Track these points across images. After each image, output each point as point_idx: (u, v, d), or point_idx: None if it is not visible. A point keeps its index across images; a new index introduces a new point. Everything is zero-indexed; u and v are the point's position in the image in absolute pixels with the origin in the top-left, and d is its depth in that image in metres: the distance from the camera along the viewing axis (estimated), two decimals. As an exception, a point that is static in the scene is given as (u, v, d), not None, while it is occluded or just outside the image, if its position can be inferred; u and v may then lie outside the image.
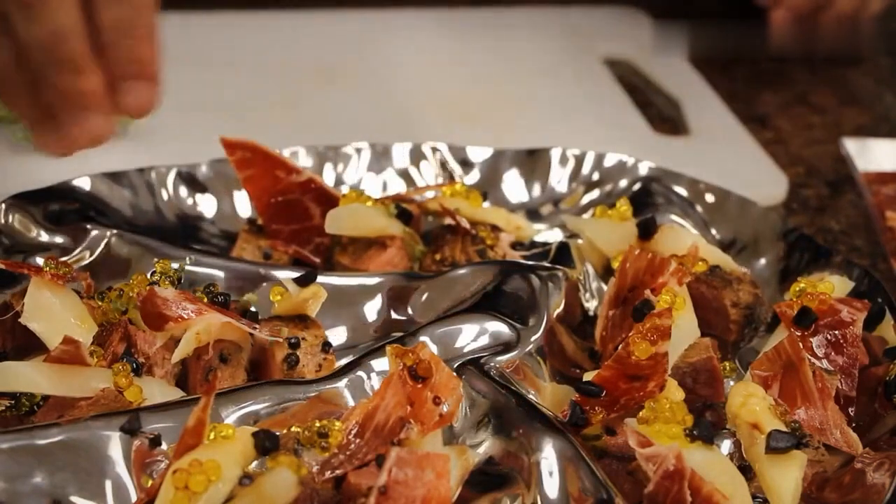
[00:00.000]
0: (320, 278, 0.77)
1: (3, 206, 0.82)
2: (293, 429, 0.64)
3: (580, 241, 0.86)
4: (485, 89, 1.21)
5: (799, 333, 0.73)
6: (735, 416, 0.69)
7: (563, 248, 0.85)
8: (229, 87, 1.18)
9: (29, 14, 0.59)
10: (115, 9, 0.61)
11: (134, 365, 0.69)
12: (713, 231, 0.90)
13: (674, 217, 0.90)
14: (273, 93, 1.17)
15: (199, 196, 0.91)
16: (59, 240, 0.83)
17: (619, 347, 0.69)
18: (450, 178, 0.96)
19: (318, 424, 0.63)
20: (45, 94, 0.63)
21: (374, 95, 1.18)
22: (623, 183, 0.94)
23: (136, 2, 0.61)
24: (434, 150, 0.97)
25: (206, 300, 0.73)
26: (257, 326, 0.73)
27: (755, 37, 1.32)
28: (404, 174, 0.96)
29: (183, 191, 0.90)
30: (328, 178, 0.94)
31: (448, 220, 0.86)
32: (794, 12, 1.27)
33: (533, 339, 0.76)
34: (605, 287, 0.83)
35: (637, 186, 0.93)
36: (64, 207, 0.84)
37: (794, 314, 0.74)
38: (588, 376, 0.71)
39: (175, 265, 0.75)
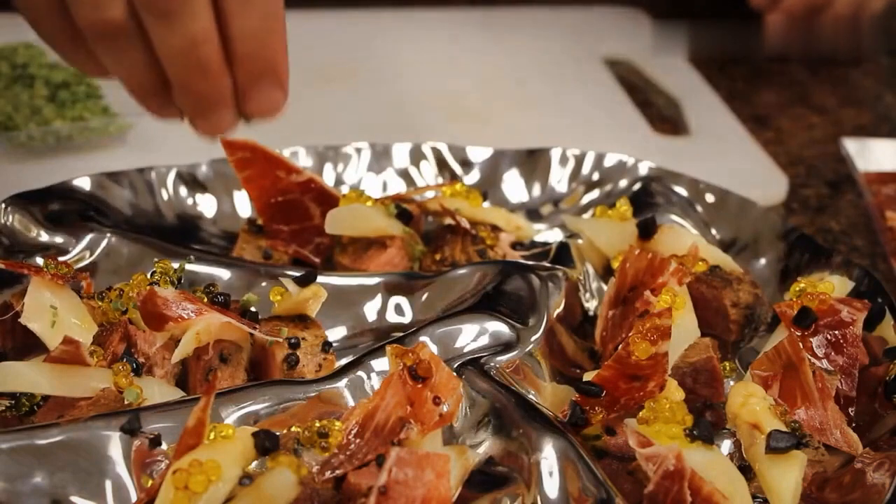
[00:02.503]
0: (320, 278, 0.77)
1: (3, 206, 0.82)
2: (293, 429, 0.64)
3: (580, 241, 0.86)
4: (485, 89, 1.21)
5: (799, 333, 0.73)
6: (735, 416, 0.69)
7: (563, 248, 0.85)
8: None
9: (166, 23, 0.61)
10: (247, 17, 0.63)
11: (134, 365, 0.69)
12: (713, 231, 0.90)
13: (674, 217, 0.90)
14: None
15: (199, 196, 0.91)
16: (59, 240, 0.83)
17: (619, 347, 0.69)
18: (450, 178, 0.96)
19: (318, 424, 0.63)
20: (178, 95, 0.65)
21: (374, 95, 1.18)
22: (623, 183, 0.94)
23: (266, 11, 0.63)
24: (434, 150, 0.97)
25: (206, 300, 0.73)
26: (257, 326, 0.73)
27: (755, 37, 1.32)
28: (404, 174, 0.96)
29: (183, 191, 0.90)
30: (328, 178, 0.94)
31: (448, 220, 0.86)
32: (789, 16, 1.27)
33: (533, 339, 0.76)
34: (605, 287, 0.83)
35: (637, 186, 0.93)
36: (64, 207, 0.84)
37: (794, 314, 0.74)
38: (588, 376, 0.71)
39: (175, 265, 0.75)
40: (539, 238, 0.91)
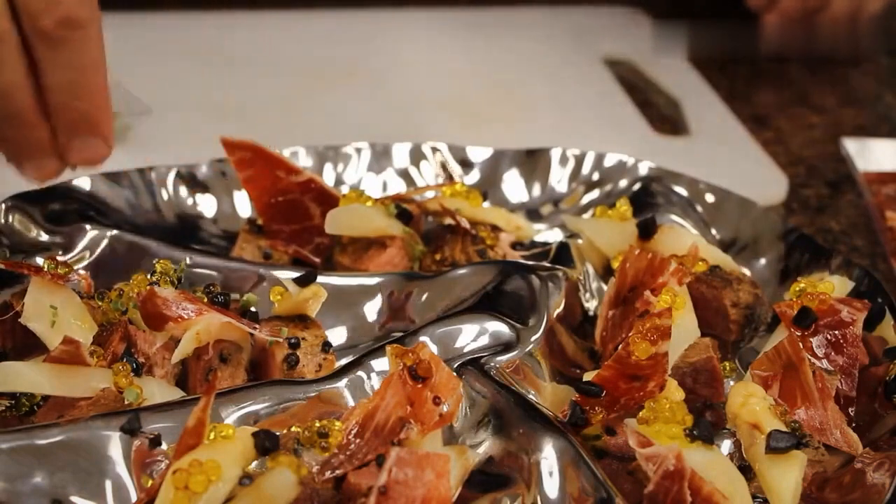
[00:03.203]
0: (320, 278, 0.77)
1: (3, 206, 0.82)
2: (293, 429, 0.64)
3: (580, 241, 0.86)
4: (485, 89, 1.21)
5: (799, 333, 0.73)
6: (735, 416, 0.69)
7: (563, 248, 0.85)
8: (229, 87, 1.18)
9: None
10: (59, 70, 0.62)
11: (134, 365, 0.69)
12: (713, 231, 0.90)
13: (674, 217, 0.90)
14: (273, 93, 1.17)
15: (199, 196, 0.91)
16: (59, 240, 0.83)
17: (619, 347, 0.69)
18: (450, 178, 0.96)
19: (318, 424, 0.63)
20: None
21: (374, 95, 1.18)
22: (623, 183, 0.94)
23: (80, 63, 0.62)
24: (434, 150, 0.97)
25: (206, 300, 0.73)
26: (257, 326, 0.73)
27: (755, 37, 1.32)
28: (404, 174, 0.96)
29: (183, 191, 0.90)
30: (328, 178, 0.94)
31: (448, 220, 0.86)
32: (786, 17, 1.27)
33: (533, 339, 0.76)
34: (605, 287, 0.83)
35: (637, 186, 0.93)
36: (64, 207, 0.84)
37: (794, 314, 0.74)
38: (588, 376, 0.71)
39: (175, 265, 0.75)
40: (539, 238, 0.91)
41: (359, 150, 0.96)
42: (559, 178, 0.96)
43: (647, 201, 0.91)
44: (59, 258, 0.76)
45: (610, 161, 0.95)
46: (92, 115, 0.64)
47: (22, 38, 0.61)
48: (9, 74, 0.61)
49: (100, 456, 0.63)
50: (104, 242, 0.82)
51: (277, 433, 0.62)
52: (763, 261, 0.87)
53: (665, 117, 1.19)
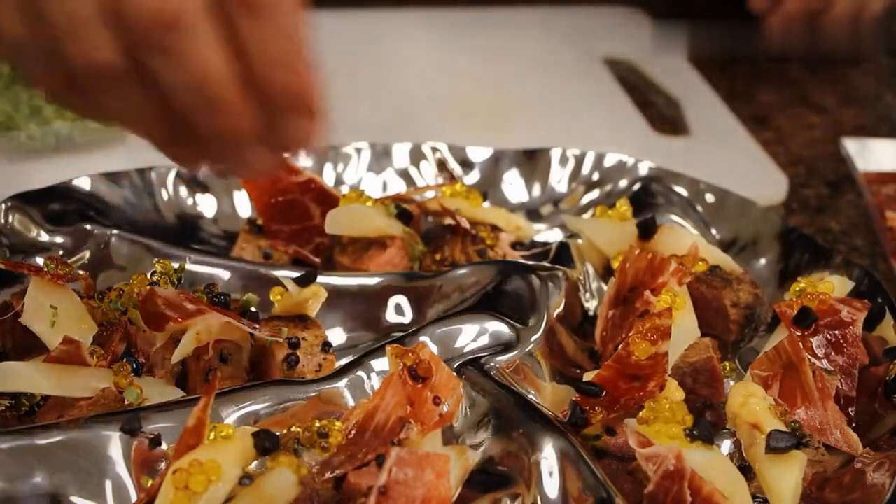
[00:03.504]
0: (320, 278, 0.77)
1: (3, 206, 0.82)
2: (293, 429, 0.64)
3: (580, 241, 0.86)
4: (485, 89, 1.21)
5: (799, 333, 0.73)
6: (735, 416, 0.69)
7: (563, 248, 0.85)
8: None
9: (169, 59, 0.54)
10: (268, 44, 0.55)
11: (134, 365, 0.69)
12: (713, 231, 0.90)
13: (674, 217, 0.90)
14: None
15: (199, 196, 0.91)
16: (59, 240, 0.83)
17: (619, 347, 0.69)
18: (450, 178, 0.96)
19: (318, 424, 0.63)
20: (197, 136, 0.57)
21: (374, 95, 1.18)
22: (623, 183, 0.94)
23: (285, 32, 0.56)
24: (434, 150, 0.97)
25: (206, 300, 0.73)
26: (257, 326, 0.73)
27: (755, 37, 1.32)
28: (404, 174, 0.96)
29: (183, 191, 0.90)
30: (328, 178, 0.94)
31: (448, 220, 0.86)
32: (789, 18, 1.27)
33: (533, 339, 0.76)
34: (605, 287, 0.83)
35: (637, 186, 0.93)
36: (64, 207, 0.84)
37: (794, 314, 0.74)
38: (588, 376, 0.71)
39: (175, 265, 0.75)
40: (539, 238, 0.91)
41: (359, 150, 0.96)
42: (559, 178, 0.96)
43: (647, 201, 0.91)
44: (59, 258, 0.76)
45: (610, 161, 0.95)
46: (300, 87, 0.57)
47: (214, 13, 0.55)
48: (208, 54, 0.54)
49: (100, 456, 0.63)
50: (104, 242, 0.82)
51: (277, 433, 0.62)
52: (763, 261, 0.87)
53: (665, 117, 1.19)
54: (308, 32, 0.57)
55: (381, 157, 0.96)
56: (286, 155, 0.61)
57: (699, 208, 0.91)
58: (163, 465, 0.63)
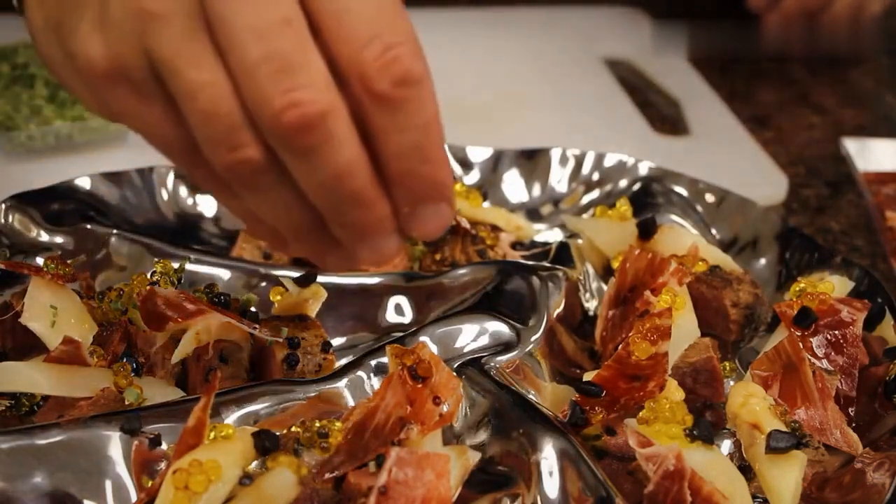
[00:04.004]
0: (320, 278, 0.77)
1: (4, 206, 0.82)
2: (293, 429, 0.64)
3: (580, 241, 0.86)
4: (485, 89, 1.21)
5: (799, 333, 0.73)
6: (735, 416, 0.69)
7: (563, 248, 0.85)
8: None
9: (309, 158, 0.52)
10: (400, 135, 0.53)
11: (134, 365, 0.69)
12: (713, 231, 0.90)
13: (674, 217, 0.90)
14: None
15: (199, 196, 0.91)
16: (59, 240, 0.83)
17: (619, 347, 0.69)
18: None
19: (318, 424, 0.63)
20: (333, 229, 0.56)
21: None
22: (623, 183, 0.94)
23: (421, 122, 0.54)
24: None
25: (206, 300, 0.73)
26: (257, 326, 0.73)
27: (755, 37, 1.33)
28: (404, 174, 0.96)
29: (183, 191, 0.90)
30: (328, 178, 0.94)
31: (448, 220, 0.86)
32: (788, 17, 1.27)
33: (533, 339, 0.76)
34: (605, 287, 0.83)
35: (637, 186, 0.93)
36: (64, 207, 0.84)
37: (794, 314, 0.74)
38: (588, 376, 0.71)
39: (175, 265, 0.75)
40: (539, 238, 0.91)
41: (359, 150, 0.96)
42: (559, 178, 0.96)
43: (647, 201, 0.91)
44: (59, 258, 0.76)
45: (610, 161, 0.95)
46: (437, 177, 0.55)
47: (349, 104, 0.53)
48: (346, 152, 0.52)
49: (100, 456, 0.63)
50: (104, 242, 0.82)
51: (277, 433, 0.62)
52: (763, 261, 0.87)
53: (665, 117, 1.19)
54: (441, 119, 0.56)
55: (381, 157, 0.96)
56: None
57: (699, 208, 0.91)
58: (163, 465, 0.63)
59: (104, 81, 0.53)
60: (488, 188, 0.95)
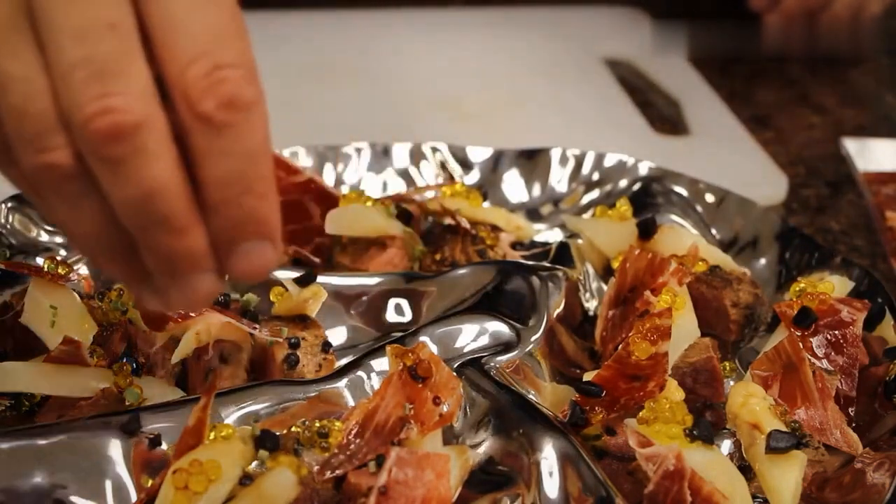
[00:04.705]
0: (320, 278, 0.77)
1: (4, 206, 0.82)
2: (293, 429, 0.64)
3: (580, 241, 0.86)
4: (485, 89, 1.21)
5: (799, 333, 0.73)
6: (735, 416, 0.69)
7: (563, 248, 0.85)
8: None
9: (117, 170, 0.48)
10: (222, 160, 0.49)
11: (134, 365, 0.69)
12: (713, 231, 0.90)
13: (674, 217, 0.90)
14: (273, 93, 1.16)
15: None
16: (59, 240, 0.83)
17: (619, 347, 0.69)
18: (450, 178, 0.96)
19: (318, 424, 0.63)
20: (142, 254, 0.52)
21: (374, 95, 1.18)
22: (623, 183, 0.94)
23: (248, 152, 0.50)
24: (434, 150, 0.97)
25: (205, 300, 0.73)
26: (257, 326, 0.73)
27: (755, 37, 1.33)
28: (404, 174, 0.96)
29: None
30: (328, 178, 0.94)
31: (448, 220, 0.86)
32: (788, 17, 1.27)
33: (533, 339, 0.76)
34: (605, 287, 0.83)
35: (637, 186, 0.93)
36: (64, 207, 0.84)
37: (794, 314, 0.74)
38: (588, 376, 0.71)
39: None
40: (539, 238, 0.91)
41: (359, 150, 0.96)
42: (559, 178, 0.96)
43: (647, 201, 0.91)
44: (59, 258, 0.76)
45: (610, 161, 0.95)
46: (260, 211, 0.50)
47: (172, 123, 0.49)
48: (158, 169, 0.48)
49: (100, 456, 0.63)
50: (104, 242, 0.82)
51: (277, 433, 0.62)
52: (763, 261, 0.87)
53: (665, 117, 1.19)
54: (271, 149, 0.51)
55: (381, 157, 0.97)
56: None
57: (699, 208, 0.91)
58: (163, 466, 0.63)
59: None
60: (488, 188, 0.95)
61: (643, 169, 0.94)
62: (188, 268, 0.51)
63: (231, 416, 0.67)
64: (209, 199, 0.50)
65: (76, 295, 0.73)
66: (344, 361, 0.74)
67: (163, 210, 0.49)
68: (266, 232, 0.51)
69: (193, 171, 0.50)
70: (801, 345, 0.72)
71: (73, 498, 0.62)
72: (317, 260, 0.85)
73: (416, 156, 0.97)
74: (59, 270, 0.72)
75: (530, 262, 0.82)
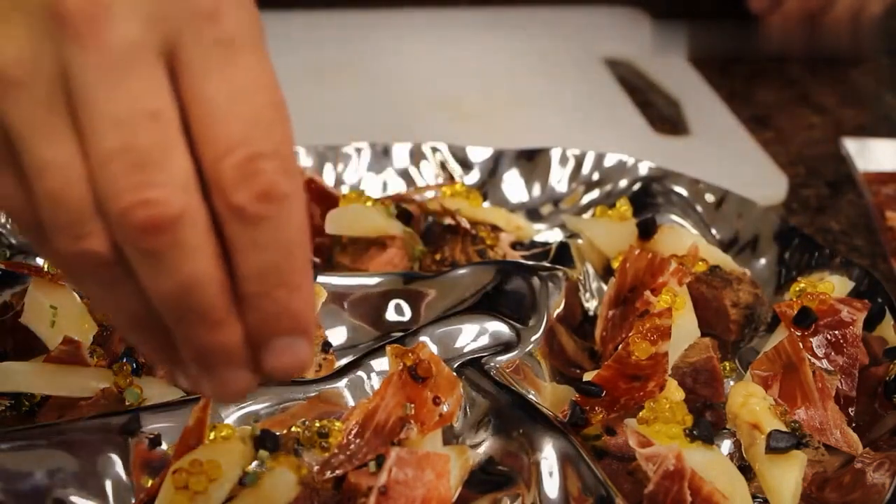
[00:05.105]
0: (320, 278, 0.77)
1: (4, 206, 0.82)
2: (293, 429, 0.64)
3: (580, 241, 0.86)
4: (485, 89, 1.21)
5: (799, 333, 0.73)
6: (735, 416, 0.69)
7: (563, 248, 0.85)
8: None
9: (155, 262, 0.47)
10: (260, 254, 0.48)
11: (134, 365, 0.69)
12: (713, 231, 0.90)
13: (674, 217, 0.90)
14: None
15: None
16: (59, 240, 0.82)
17: (619, 347, 0.69)
18: (450, 178, 0.96)
19: (318, 424, 0.63)
20: (180, 347, 0.51)
21: (374, 95, 1.18)
22: (623, 183, 0.94)
23: (283, 245, 0.48)
24: (434, 150, 0.97)
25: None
26: (257, 326, 0.73)
27: (755, 37, 1.32)
28: (404, 174, 0.96)
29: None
30: (328, 178, 0.94)
31: (448, 220, 0.86)
32: (789, 19, 1.27)
33: (533, 339, 0.76)
34: (605, 287, 0.83)
35: (637, 186, 0.93)
36: (64, 207, 0.84)
37: (794, 314, 0.74)
38: (588, 376, 0.71)
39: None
40: (539, 238, 0.91)
41: (359, 150, 0.96)
42: (559, 178, 0.96)
43: (647, 201, 0.91)
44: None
45: (610, 161, 0.95)
46: (293, 305, 0.49)
47: (210, 215, 0.48)
48: (196, 263, 0.47)
49: (100, 456, 0.63)
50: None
51: (277, 433, 0.62)
52: (763, 261, 0.87)
53: (665, 117, 1.19)
54: (308, 245, 0.50)
55: (381, 157, 0.96)
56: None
57: (699, 208, 0.91)
58: (163, 466, 0.63)
59: None
60: (488, 188, 0.95)
61: (643, 169, 0.94)
62: (222, 362, 0.50)
63: (231, 416, 0.67)
64: (244, 293, 0.49)
65: (76, 295, 0.73)
66: (344, 361, 0.74)
67: (199, 304, 0.48)
68: (299, 327, 0.49)
69: (231, 262, 0.48)
70: (801, 345, 0.72)
71: (73, 498, 0.62)
72: (317, 260, 0.85)
73: (416, 156, 0.97)
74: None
75: (530, 262, 0.82)
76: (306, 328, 0.49)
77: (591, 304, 0.83)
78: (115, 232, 0.47)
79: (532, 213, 0.94)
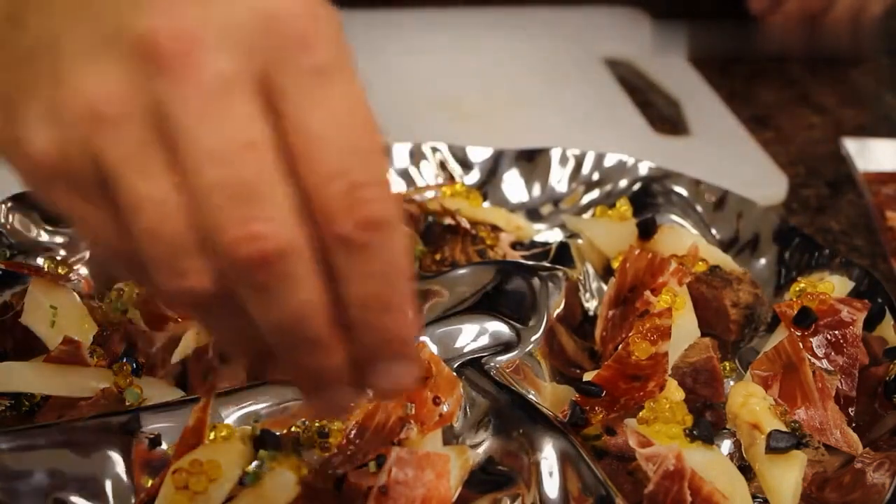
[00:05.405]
0: (320, 278, 0.77)
1: (4, 206, 0.82)
2: (293, 429, 0.64)
3: (580, 241, 0.86)
4: (485, 89, 1.21)
5: (799, 333, 0.73)
6: (735, 416, 0.69)
7: (563, 248, 0.85)
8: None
9: (263, 295, 0.47)
10: (366, 282, 0.48)
11: (134, 365, 0.70)
12: (713, 231, 0.90)
13: (674, 217, 0.90)
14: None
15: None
16: (59, 240, 0.83)
17: (619, 347, 0.69)
18: (450, 178, 0.96)
19: (318, 424, 0.63)
20: (287, 371, 0.52)
21: (373, 95, 1.17)
22: (623, 183, 0.94)
23: (386, 273, 0.48)
24: (434, 150, 0.97)
25: (206, 300, 0.73)
26: (257, 326, 0.73)
27: (755, 37, 1.32)
28: (404, 174, 0.96)
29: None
30: (328, 178, 0.94)
31: (448, 220, 0.86)
32: (789, 20, 1.27)
33: (533, 339, 0.76)
34: (605, 287, 0.83)
35: (637, 186, 0.93)
36: (64, 207, 0.84)
37: (794, 314, 0.74)
38: (588, 376, 0.71)
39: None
40: (539, 238, 0.91)
41: (359, 150, 0.96)
42: (559, 178, 0.96)
43: (647, 201, 0.91)
44: (59, 258, 0.76)
45: (610, 161, 0.95)
46: (396, 331, 0.49)
47: (313, 237, 0.48)
48: (304, 294, 0.47)
49: (100, 456, 0.63)
50: (104, 242, 0.82)
51: (277, 433, 0.62)
52: (763, 261, 0.87)
53: (665, 117, 1.19)
54: (410, 266, 0.50)
55: (381, 157, 0.96)
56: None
57: (699, 208, 0.91)
58: (163, 466, 0.63)
59: (47, 176, 0.47)
60: (488, 188, 0.95)
61: (643, 169, 0.94)
62: (329, 383, 0.51)
63: (231, 416, 0.67)
64: (350, 319, 0.49)
65: (76, 295, 0.73)
66: (344, 361, 0.73)
67: (308, 333, 0.48)
68: (403, 351, 0.50)
69: (336, 288, 0.49)
70: (801, 345, 0.72)
71: (73, 498, 0.61)
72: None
73: (416, 156, 0.97)
74: (59, 270, 0.72)
75: (530, 262, 0.82)
76: (410, 351, 0.50)
77: (591, 304, 0.83)
78: (220, 266, 0.47)
79: (532, 213, 0.94)
